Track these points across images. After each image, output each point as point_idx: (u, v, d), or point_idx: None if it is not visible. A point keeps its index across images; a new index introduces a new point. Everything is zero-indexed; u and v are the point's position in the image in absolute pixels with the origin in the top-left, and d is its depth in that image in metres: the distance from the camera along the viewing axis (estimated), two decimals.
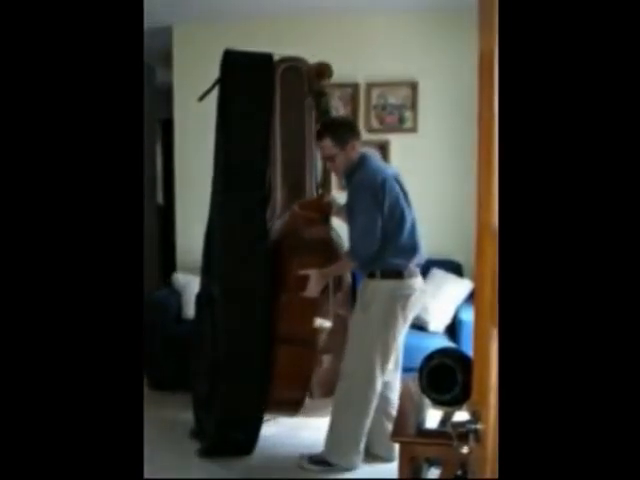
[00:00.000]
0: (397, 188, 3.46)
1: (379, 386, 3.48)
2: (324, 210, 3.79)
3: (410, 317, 3.49)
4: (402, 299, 3.41)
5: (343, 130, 3.53)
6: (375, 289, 3.44)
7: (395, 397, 3.68)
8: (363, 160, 3.51)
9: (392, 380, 3.67)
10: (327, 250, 3.75)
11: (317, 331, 3.73)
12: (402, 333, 3.51)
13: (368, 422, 3.49)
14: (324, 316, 3.89)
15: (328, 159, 3.56)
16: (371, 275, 3.47)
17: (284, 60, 4.04)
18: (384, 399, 3.62)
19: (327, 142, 3.50)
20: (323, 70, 3.78)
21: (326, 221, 3.83)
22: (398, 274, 3.41)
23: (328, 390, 3.81)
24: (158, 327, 4.77)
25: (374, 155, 3.62)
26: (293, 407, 3.79)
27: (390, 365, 3.59)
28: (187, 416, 4.12)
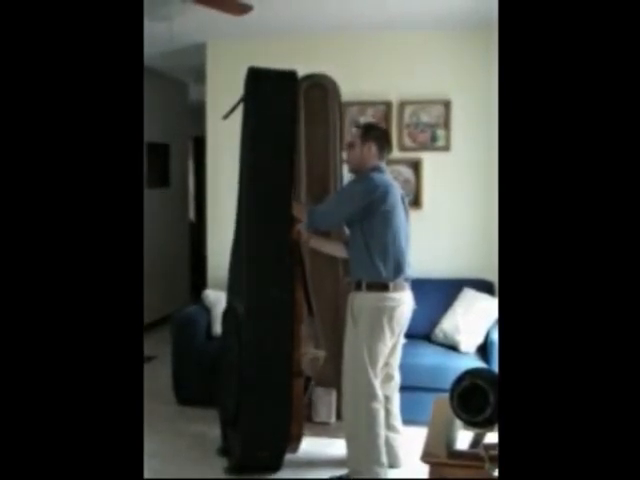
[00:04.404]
0: (399, 202, 3.54)
1: (381, 395, 3.53)
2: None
3: (397, 329, 3.54)
4: (387, 311, 3.46)
5: (373, 132, 3.70)
6: (361, 302, 3.51)
7: (396, 410, 3.80)
8: (376, 168, 3.59)
9: (392, 394, 3.75)
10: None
11: (303, 361, 3.77)
12: (389, 345, 3.55)
13: (381, 432, 3.52)
14: (317, 346, 3.91)
15: (349, 145, 3.74)
16: (358, 287, 3.53)
17: (308, 77, 4.05)
18: (386, 412, 3.66)
19: (358, 132, 3.75)
20: None
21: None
22: (383, 287, 3.47)
23: None
24: (188, 343, 4.78)
25: (386, 172, 3.68)
26: (294, 442, 3.80)
27: (388, 377, 3.70)
28: (216, 432, 4.11)
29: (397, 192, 3.55)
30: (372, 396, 3.48)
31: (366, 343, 3.47)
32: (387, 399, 3.68)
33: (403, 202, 3.60)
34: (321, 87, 4.13)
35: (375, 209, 3.44)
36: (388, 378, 3.71)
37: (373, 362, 3.48)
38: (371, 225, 3.46)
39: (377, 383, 3.51)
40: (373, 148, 3.60)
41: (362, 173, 3.59)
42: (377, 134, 3.68)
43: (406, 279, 3.56)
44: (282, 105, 3.71)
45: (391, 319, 3.47)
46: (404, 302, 3.53)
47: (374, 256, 3.46)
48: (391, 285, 3.47)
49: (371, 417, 3.48)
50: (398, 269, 3.49)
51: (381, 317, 3.45)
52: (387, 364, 3.65)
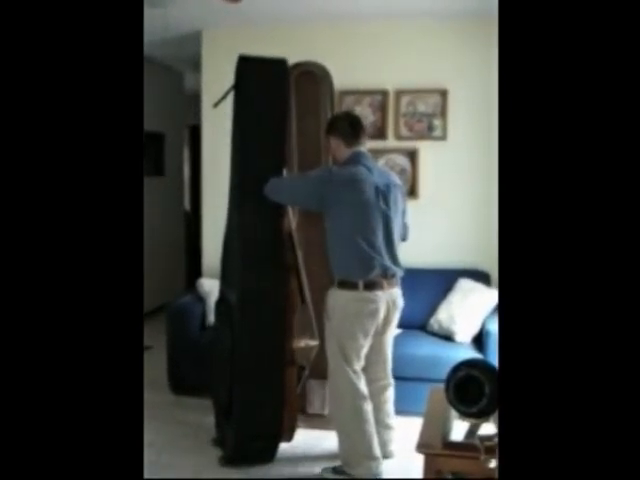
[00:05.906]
0: (371, 195, 3.38)
1: (363, 389, 3.48)
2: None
3: (370, 328, 3.45)
4: (355, 310, 3.41)
5: (331, 125, 3.66)
6: (333, 299, 3.50)
7: (389, 407, 3.74)
8: (350, 159, 3.52)
9: (382, 391, 3.70)
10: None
11: (297, 351, 3.77)
12: (363, 343, 3.47)
13: (368, 428, 3.47)
14: (310, 336, 3.91)
15: None
16: (332, 283, 3.51)
17: (299, 65, 4.03)
18: (378, 410, 3.62)
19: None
20: None
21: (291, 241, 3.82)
22: (352, 285, 3.41)
23: None
24: (183, 333, 4.77)
25: (366, 159, 3.54)
26: (288, 433, 3.81)
27: (376, 374, 3.66)
28: (211, 421, 4.10)
29: (369, 184, 3.38)
30: (352, 393, 3.45)
31: (337, 340, 3.46)
32: (378, 396, 3.64)
33: (386, 194, 3.44)
34: (312, 75, 4.11)
35: (334, 203, 3.37)
36: (378, 376, 3.67)
37: (347, 359, 3.45)
38: (336, 222, 3.40)
39: (356, 379, 3.46)
40: (336, 140, 3.56)
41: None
42: (337, 125, 3.60)
43: (385, 276, 3.44)
44: (273, 92, 3.69)
45: (360, 318, 3.40)
46: (377, 300, 3.41)
47: (341, 254, 3.43)
48: (360, 284, 3.38)
49: (354, 413, 3.45)
50: (369, 267, 3.37)
51: (348, 316, 3.41)
52: (375, 362, 3.62)
